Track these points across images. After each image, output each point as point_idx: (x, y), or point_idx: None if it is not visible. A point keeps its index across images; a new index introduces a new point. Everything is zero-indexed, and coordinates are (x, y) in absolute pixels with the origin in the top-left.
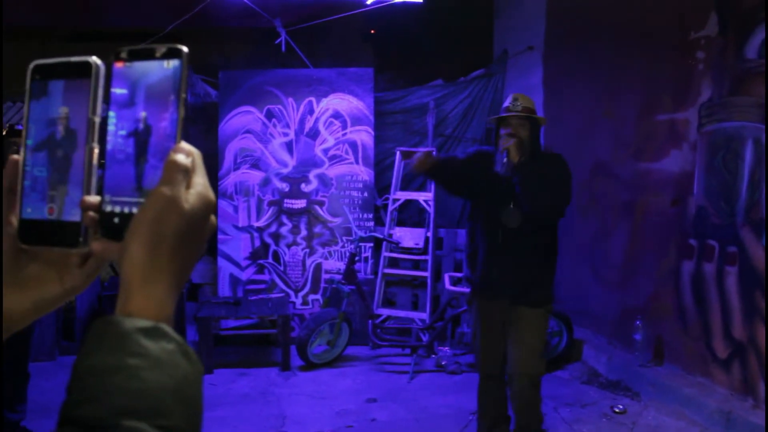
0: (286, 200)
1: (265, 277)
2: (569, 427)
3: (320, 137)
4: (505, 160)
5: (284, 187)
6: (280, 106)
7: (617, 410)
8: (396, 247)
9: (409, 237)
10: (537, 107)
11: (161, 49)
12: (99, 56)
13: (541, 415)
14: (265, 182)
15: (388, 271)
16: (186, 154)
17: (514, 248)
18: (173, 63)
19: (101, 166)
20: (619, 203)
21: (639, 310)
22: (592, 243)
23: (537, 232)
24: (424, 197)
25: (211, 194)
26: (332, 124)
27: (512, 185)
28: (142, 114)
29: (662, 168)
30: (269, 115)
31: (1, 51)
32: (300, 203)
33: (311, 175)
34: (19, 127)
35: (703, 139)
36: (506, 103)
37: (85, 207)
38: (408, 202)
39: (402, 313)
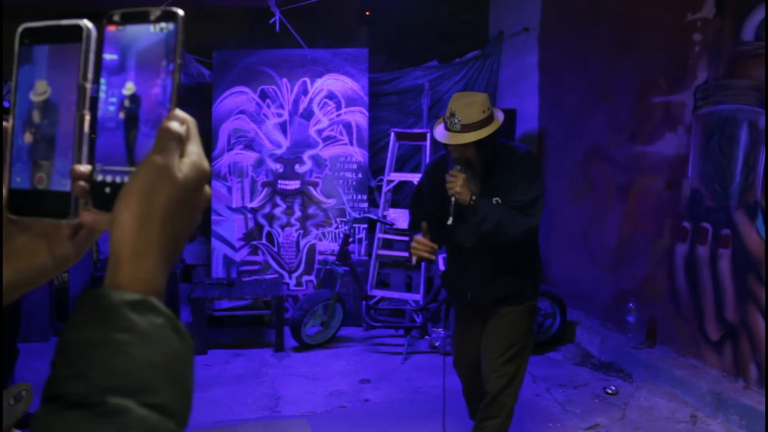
0: (280, 181)
1: (259, 258)
2: (562, 407)
3: (314, 118)
4: (452, 204)
5: (278, 167)
6: (274, 87)
7: (609, 391)
8: (390, 228)
9: (403, 218)
10: (532, 90)
11: (156, 12)
12: None
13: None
14: (259, 163)
15: (381, 252)
16: (180, 121)
17: (489, 269)
18: (168, 27)
19: (92, 134)
20: (613, 186)
21: (632, 292)
22: (586, 225)
23: (509, 247)
24: (418, 179)
25: (205, 163)
26: (326, 104)
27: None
28: (135, 81)
29: (657, 151)
30: (263, 96)
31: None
32: (294, 184)
33: (305, 156)
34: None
35: (699, 122)
36: (446, 115)
37: (75, 176)
38: (402, 183)
39: (396, 294)
